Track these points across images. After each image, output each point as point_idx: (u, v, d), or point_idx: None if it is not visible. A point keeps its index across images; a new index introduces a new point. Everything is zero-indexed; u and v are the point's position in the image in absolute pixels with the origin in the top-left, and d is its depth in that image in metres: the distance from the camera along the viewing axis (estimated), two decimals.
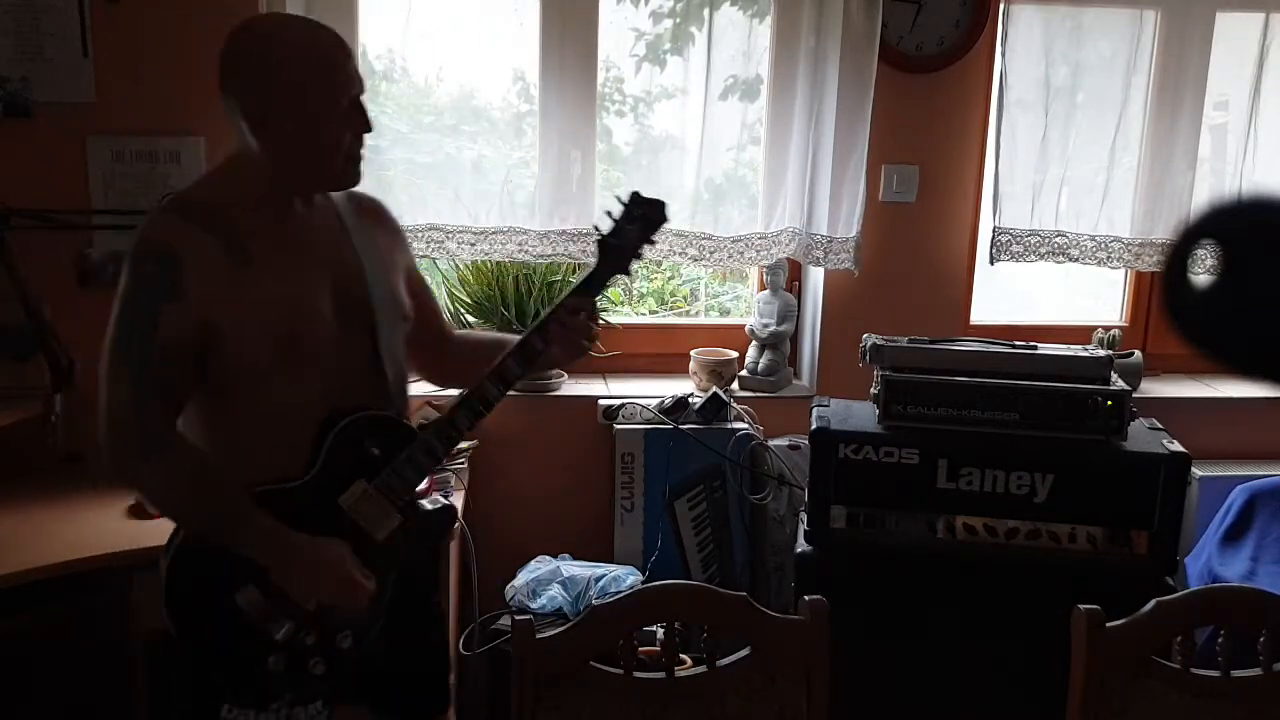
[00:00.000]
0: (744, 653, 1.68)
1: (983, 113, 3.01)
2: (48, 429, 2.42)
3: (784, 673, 1.67)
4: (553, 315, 1.79)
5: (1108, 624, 1.69)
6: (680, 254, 2.96)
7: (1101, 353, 2.46)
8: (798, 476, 2.89)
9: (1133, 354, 3.13)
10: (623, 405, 2.96)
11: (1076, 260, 3.07)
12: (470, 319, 3.12)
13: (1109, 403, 2.31)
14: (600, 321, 1.86)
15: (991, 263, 3.04)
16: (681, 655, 1.82)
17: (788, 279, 3.11)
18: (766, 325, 3.08)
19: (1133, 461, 2.30)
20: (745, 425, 2.96)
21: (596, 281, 1.83)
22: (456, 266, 3.12)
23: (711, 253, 2.97)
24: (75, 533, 2.34)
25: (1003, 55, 2.93)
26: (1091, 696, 1.68)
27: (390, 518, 1.75)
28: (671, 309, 3.52)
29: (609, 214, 1.83)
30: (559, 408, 2.99)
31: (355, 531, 1.72)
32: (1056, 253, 3.05)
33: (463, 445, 2.77)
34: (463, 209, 2.89)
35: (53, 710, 2.56)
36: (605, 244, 1.82)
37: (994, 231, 3.02)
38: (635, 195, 1.82)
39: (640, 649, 1.72)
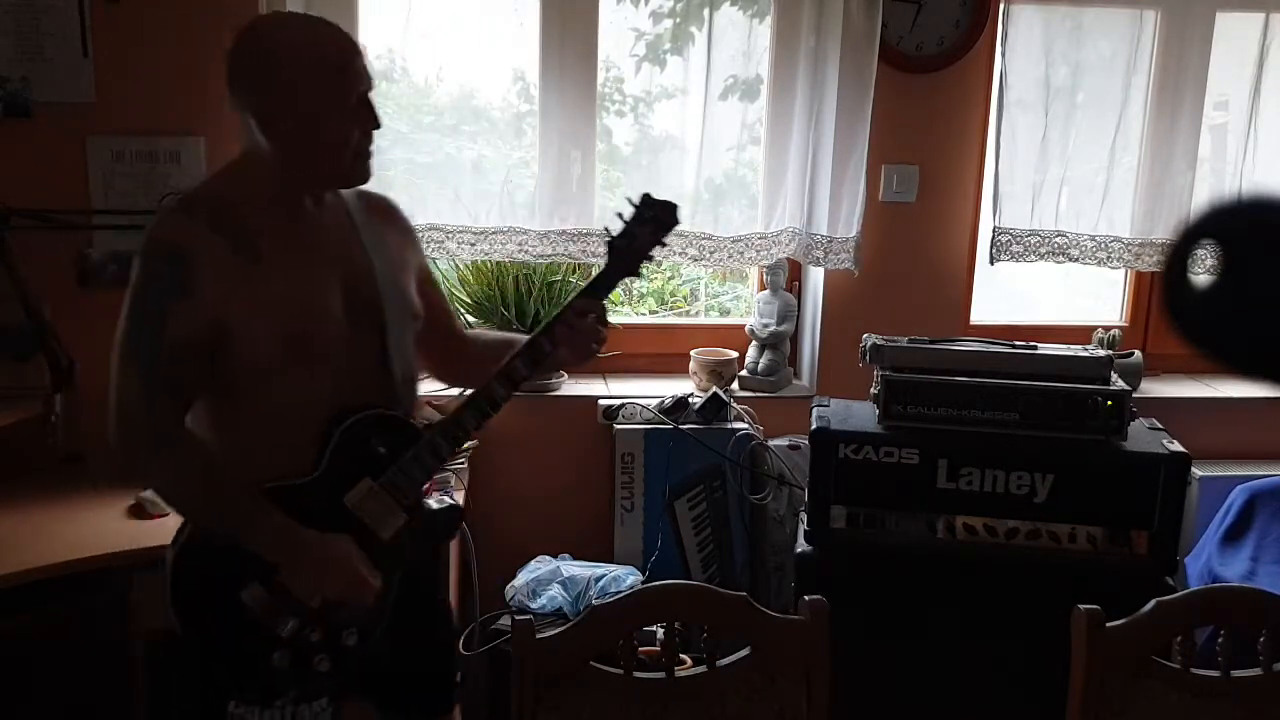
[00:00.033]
0: (744, 653, 1.68)
1: (983, 113, 3.01)
2: (48, 429, 2.42)
3: (784, 673, 1.67)
4: (561, 317, 1.78)
5: (1108, 624, 1.69)
6: (680, 254, 2.96)
7: (1101, 353, 2.46)
8: (798, 476, 2.89)
9: (1133, 354, 3.13)
10: (623, 405, 2.96)
11: (1076, 260, 3.06)
12: (470, 319, 3.12)
13: (1109, 403, 2.31)
14: (609, 324, 1.84)
15: (991, 263, 3.04)
16: (681, 655, 1.82)
17: (788, 279, 3.11)
18: (766, 325, 3.08)
19: (1133, 461, 2.30)
20: (745, 425, 2.96)
21: (605, 283, 1.81)
22: (456, 266, 3.12)
23: (711, 253, 2.97)
24: (75, 533, 2.34)
25: (1003, 55, 2.93)
26: (1091, 696, 1.68)
27: (396, 516, 1.75)
28: (671, 309, 3.52)
29: (619, 215, 1.81)
30: (559, 408, 2.99)
31: (361, 530, 1.72)
32: (1056, 253, 3.05)
33: (464, 445, 2.76)
34: (463, 209, 2.89)
35: (53, 710, 2.56)
36: (615, 245, 1.80)
37: (994, 231, 3.02)
38: (646, 197, 1.80)
39: (640, 649, 1.71)
